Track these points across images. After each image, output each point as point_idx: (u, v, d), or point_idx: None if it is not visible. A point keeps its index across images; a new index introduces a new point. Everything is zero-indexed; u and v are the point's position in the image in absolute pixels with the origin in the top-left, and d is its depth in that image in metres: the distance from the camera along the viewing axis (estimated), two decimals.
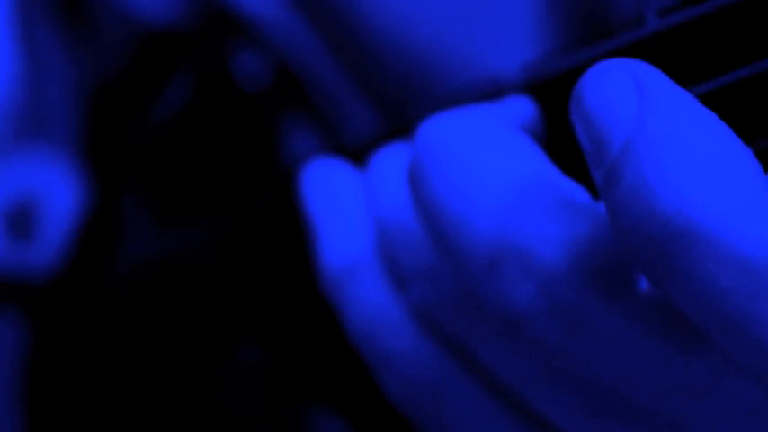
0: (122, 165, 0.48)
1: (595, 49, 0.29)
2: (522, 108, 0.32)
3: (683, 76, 0.26)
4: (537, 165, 0.29)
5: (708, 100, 0.26)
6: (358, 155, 0.38)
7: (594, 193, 0.29)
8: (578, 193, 0.28)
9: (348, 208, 0.36)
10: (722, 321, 0.23)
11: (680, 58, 0.26)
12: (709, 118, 0.24)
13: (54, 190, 0.46)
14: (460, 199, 0.29)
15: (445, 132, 0.29)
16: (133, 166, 0.48)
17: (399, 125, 0.37)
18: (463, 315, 0.31)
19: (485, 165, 0.29)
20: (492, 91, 0.33)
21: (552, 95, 0.31)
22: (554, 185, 0.28)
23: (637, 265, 0.24)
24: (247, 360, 0.45)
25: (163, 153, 0.48)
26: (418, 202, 0.30)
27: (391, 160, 0.35)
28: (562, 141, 0.31)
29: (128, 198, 0.48)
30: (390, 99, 0.52)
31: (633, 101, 0.24)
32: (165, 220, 0.48)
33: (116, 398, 0.46)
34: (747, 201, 0.23)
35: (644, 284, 0.27)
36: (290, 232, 0.40)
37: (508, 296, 0.28)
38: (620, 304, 0.27)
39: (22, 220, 0.45)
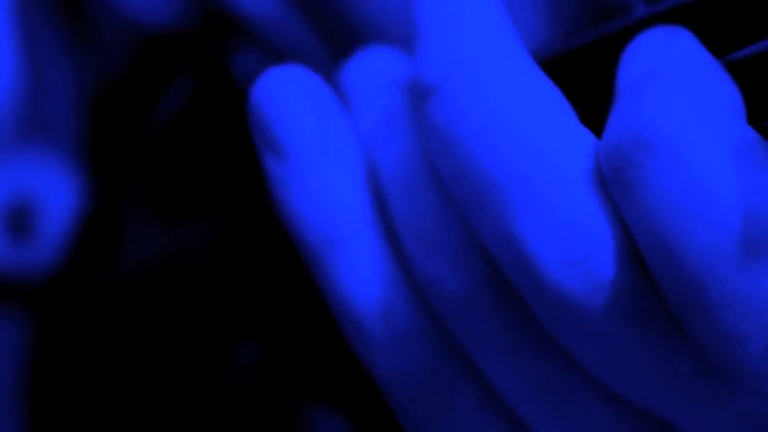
0: (123, 165, 0.48)
1: (587, 35, 0.30)
2: None
3: None
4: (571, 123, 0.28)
5: None
6: None
7: None
8: None
9: (328, 140, 0.32)
10: (662, 243, 0.24)
11: None
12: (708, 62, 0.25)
13: (53, 190, 0.46)
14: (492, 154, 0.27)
15: (474, 66, 0.28)
16: (134, 167, 0.48)
17: None
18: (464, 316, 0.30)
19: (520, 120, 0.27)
20: None
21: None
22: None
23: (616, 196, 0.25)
24: (247, 358, 0.45)
25: (163, 154, 0.48)
26: (438, 153, 0.27)
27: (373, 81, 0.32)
28: None
29: (128, 198, 0.48)
30: None
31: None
32: (166, 220, 0.48)
33: (117, 398, 0.46)
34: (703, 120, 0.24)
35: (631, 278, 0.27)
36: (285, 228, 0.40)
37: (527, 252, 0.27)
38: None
39: (22, 220, 0.46)
